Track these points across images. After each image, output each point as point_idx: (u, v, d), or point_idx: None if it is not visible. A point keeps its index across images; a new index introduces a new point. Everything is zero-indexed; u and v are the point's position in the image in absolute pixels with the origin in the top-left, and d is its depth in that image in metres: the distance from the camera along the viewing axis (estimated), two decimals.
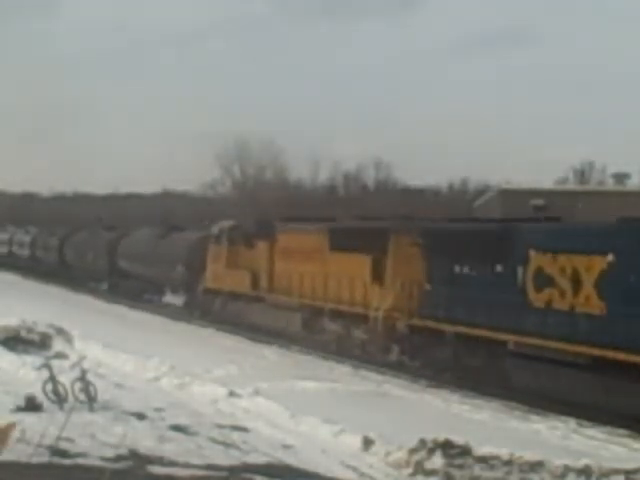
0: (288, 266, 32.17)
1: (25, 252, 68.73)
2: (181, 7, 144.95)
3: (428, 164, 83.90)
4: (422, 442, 15.40)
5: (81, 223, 65.76)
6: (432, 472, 14.98)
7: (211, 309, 37.98)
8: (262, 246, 34.10)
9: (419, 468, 15.12)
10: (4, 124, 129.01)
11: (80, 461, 13.06)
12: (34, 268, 65.32)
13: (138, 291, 48.02)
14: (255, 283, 34.28)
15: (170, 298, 44.97)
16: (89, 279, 55.76)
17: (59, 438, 12.15)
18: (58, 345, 26.88)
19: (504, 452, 15.05)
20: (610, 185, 64.15)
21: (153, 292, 47.28)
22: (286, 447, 16.19)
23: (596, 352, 19.51)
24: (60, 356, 24.36)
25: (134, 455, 13.88)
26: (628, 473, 14.69)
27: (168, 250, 43.09)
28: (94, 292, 52.74)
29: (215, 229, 38.20)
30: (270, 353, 30.06)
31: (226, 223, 38.26)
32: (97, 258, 53.14)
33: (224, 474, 13.31)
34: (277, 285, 33.14)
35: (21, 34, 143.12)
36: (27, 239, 69.09)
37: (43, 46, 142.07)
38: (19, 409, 16.83)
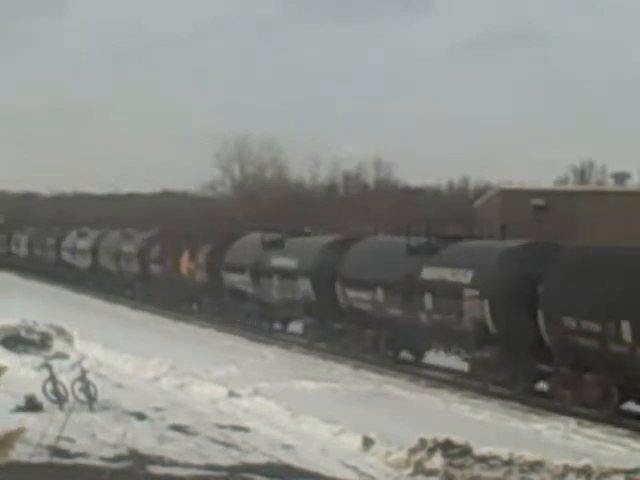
0: None
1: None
2: (182, 7, 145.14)
3: (428, 164, 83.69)
4: (422, 442, 15.39)
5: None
6: (432, 472, 14.97)
7: None
8: None
9: (419, 468, 15.11)
10: (5, 124, 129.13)
11: (80, 461, 13.08)
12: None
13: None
14: None
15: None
16: None
17: (59, 438, 12.14)
18: (58, 345, 26.88)
19: (504, 452, 15.04)
20: (610, 185, 64.07)
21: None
22: (286, 447, 16.19)
23: None
24: (60, 356, 24.34)
25: (134, 455, 13.90)
26: (628, 473, 14.67)
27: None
28: None
29: None
30: (270, 353, 30.01)
31: None
32: None
33: (224, 474, 13.32)
34: None
35: (21, 35, 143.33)
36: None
37: (44, 47, 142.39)
38: (19, 409, 16.84)
